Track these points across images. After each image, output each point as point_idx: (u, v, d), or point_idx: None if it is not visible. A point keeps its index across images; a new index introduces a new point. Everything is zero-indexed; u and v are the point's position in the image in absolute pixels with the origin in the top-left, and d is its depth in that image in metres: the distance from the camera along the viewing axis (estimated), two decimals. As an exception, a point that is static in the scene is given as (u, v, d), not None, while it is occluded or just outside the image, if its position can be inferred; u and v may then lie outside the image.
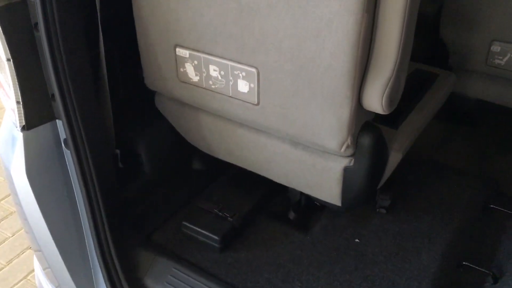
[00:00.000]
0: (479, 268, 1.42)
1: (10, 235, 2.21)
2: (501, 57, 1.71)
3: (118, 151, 1.40)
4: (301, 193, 1.52)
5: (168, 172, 1.60)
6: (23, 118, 1.18)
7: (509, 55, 1.69)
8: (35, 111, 1.19)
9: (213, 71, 1.23)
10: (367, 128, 1.18)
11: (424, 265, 1.39)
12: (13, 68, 1.14)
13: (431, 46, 1.90)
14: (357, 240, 1.48)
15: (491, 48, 1.71)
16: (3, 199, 2.40)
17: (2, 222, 2.27)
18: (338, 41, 1.01)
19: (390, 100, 1.09)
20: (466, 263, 1.43)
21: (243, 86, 1.21)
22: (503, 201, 1.59)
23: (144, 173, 1.51)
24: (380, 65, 1.06)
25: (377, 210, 1.56)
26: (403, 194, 1.62)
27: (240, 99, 1.22)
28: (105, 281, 1.36)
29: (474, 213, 1.59)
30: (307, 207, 1.56)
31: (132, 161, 1.48)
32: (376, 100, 1.08)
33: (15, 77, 1.14)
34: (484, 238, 1.52)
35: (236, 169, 1.47)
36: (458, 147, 1.90)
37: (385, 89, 1.07)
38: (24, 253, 2.13)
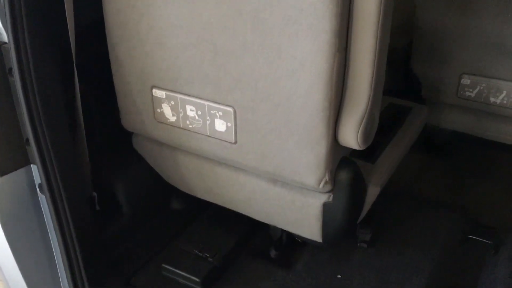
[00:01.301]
0: None
1: (-17, 284, 2.13)
2: (471, 90, 1.76)
3: (95, 194, 1.38)
4: (282, 230, 1.51)
5: (147, 213, 1.58)
6: (-4, 164, 1.16)
7: (478, 87, 1.74)
8: (9, 157, 1.17)
9: (190, 111, 1.24)
10: (344, 164, 1.19)
11: None
12: (-14, 114, 1.13)
13: (403, 79, 1.95)
14: (339, 276, 1.47)
15: (461, 81, 1.76)
16: (-24, 245, 2.32)
17: (-26, 270, 2.19)
18: (312, 80, 1.03)
19: (365, 135, 1.11)
20: None
21: (220, 125, 1.21)
22: (481, 232, 1.60)
23: (122, 215, 1.49)
24: (354, 102, 1.08)
25: (358, 245, 1.55)
26: (383, 228, 1.63)
27: (217, 138, 1.23)
28: (82, 329, 1.31)
29: (454, 245, 1.60)
30: (289, 244, 1.55)
31: (110, 203, 1.46)
32: (351, 136, 1.10)
33: (-11, 123, 1.13)
34: (465, 269, 1.52)
35: (216, 208, 1.46)
36: (434, 178, 1.93)
37: (360, 125, 1.09)
38: (-2, 302, 2.05)
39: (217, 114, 1.20)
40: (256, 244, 1.58)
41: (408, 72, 1.89)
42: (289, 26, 1.01)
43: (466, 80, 1.75)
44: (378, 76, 1.06)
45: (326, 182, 1.16)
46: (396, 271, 1.47)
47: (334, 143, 1.12)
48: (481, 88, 1.74)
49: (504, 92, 1.70)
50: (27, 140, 1.17)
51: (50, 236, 1.26)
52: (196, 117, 1.24)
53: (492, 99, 1.73)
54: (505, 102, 1.71)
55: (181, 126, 1.27)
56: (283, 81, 1.07)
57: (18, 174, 1.20)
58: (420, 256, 1.52)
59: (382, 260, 1.51)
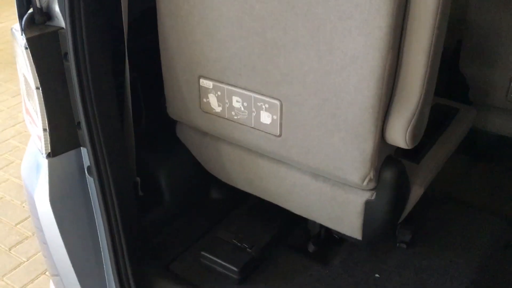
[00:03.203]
0: None
1: (25, 260, 2.21)
2: (521, 93, 1.71)
3: (138, 179, 1.42)
4: (321, 226, 1.51)
5: (188, 201, 1.61)
6: (49, 145, 1.20)
7: (530, 91, 1.69)
8: (60, 139, 1.21)
9: (236, 102, 1.25)
10: (390, 162, 1.18)
11: None
12: (41, 96, 1.16)
13: (450, 80, 1.90)
14: (377, 275, 1.46)
15: (511, 84, 1.71)
16: (18, 223, 2.41)
17: (17, 246, 2.28)
18: (363, 77, 1.02)
19: (414, 134, 1.09)
20: None
21: (265, 118, 1.22)
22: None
23: (164, 202, 1.52)
24: (405, 100, 1.06)
25: (398, 245, 1.54)
26: (423, 229, 1.60)
27: (262, 130, 1.23)
28: (121, 309, 1.35)
29: (496, 251, 1.56)
30: (327, 240, 1.55)
31: (152, 189, 1.49)
32: (400, 135, 1.09)
33: (43, 105, 1.17)
34: (506, 276, 1.49)
35: (255, 200, 1.47)
36: (478, 182, 1.88)
37: (410, 124, 1.07)
38: (39, 278, 2.13)
39: (263, 107, 1.20)
40: (294, 238, 1.58)
41: (455, 73, 1.85)
42: (342, 21, 1.00)
43: (517, 83, 1.70)
44: (431, 75, 1.04)
45: (370, 180, 1.15)
46: (435, 273, 1.45)
47: (381, 140, 1.10)
48: (533, 92, 1.68)
49: (557, 97, 1.64)
50: (79, 123, 1.21)
51: (95, 217, 1.30)
52: (242, 109, 1.25)
53: (543, 104, 1.68)
54: (557, 107, 1.66)
55: (226, 117, 1.28)
56: (333, 77, 1.06)
57: (68, 156, 1.24)
58: (460, 260, 1.49)
59: (421, 261, 1.49)
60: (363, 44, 0.99)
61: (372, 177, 1.14)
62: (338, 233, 1.43)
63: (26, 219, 2.43)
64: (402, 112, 1.07)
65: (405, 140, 1.09)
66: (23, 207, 2.51)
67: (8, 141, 3.01)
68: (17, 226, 2.40)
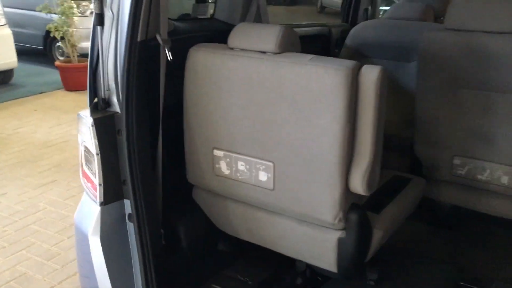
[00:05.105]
0: None
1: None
2: (461, 169, 2.15)
3: (162, 231, 1.80)
4: (307, 265, 1.88)
5: (200, 251, 1.98)
6: (102, 196, 1.61)
7: (467, 166, 2.14)
8: (110, 192, 1.62)
9: (241, 166, 1.70)
10: (354, 208, 1.60)
11: None
12: (99, 160, 1.60)
13: (408, 160, 2.37)
14: None
15: (453, 161, 2.16)
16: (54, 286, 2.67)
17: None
18: (331, 143, 1.49)
19: (369, 184, 1.54)
20: None
21: (262, 176, 1.66)
22: (470, 280, 1.93)
23: (182, 249, 1.89)
24: (360, 159, 1.52)
25: (368, 282, 1.90)
26: (388, 271, 1.97)
27: (260, 186, 1.67)
28: None
29: None
30: (312, 278, 1.91)
31: (172, 239, 1.87)
32: (358, 184, 1.53)
33: (100, 166, 1.60)
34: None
35: (256, 249, 1.85)
36: (434, 243, 2.28)
37: (364, 176, 1.52)
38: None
39: (261, 167, 1.65)
40: (286, 275, 1.94)
41: (412, 155, 2.32)
42: (315, 104, 1.49)
43: (457, 161, 2.15)
44: (377, 140, 1.51)
45: (340, 220, 1.57)
46: None
47: (346, 189, 1.54)
48: (470, 167, 2.13)
49: (488, 171, 2.09)
50: (124, 180, 1.63)
51: (131, 254, 1.66)
52: (245, 170, 1.69)
53: (479, 177, 2.12)
54: (489, 179, 2.10)
55: (233, 178, 1.72)
56: (311, 143, 1.53)
57: (114, 205, 1.64)
58: None
59: None
60: (329, 120, 1.48)
61: (341, 217, 1.56)
62: (319, 272, 1.80)
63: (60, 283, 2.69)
64: (359, 167, 1.52)
65: (362, 187, 1.53)
66: (45, 280, 2.78)
67: (30, 226, 3.33)
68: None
